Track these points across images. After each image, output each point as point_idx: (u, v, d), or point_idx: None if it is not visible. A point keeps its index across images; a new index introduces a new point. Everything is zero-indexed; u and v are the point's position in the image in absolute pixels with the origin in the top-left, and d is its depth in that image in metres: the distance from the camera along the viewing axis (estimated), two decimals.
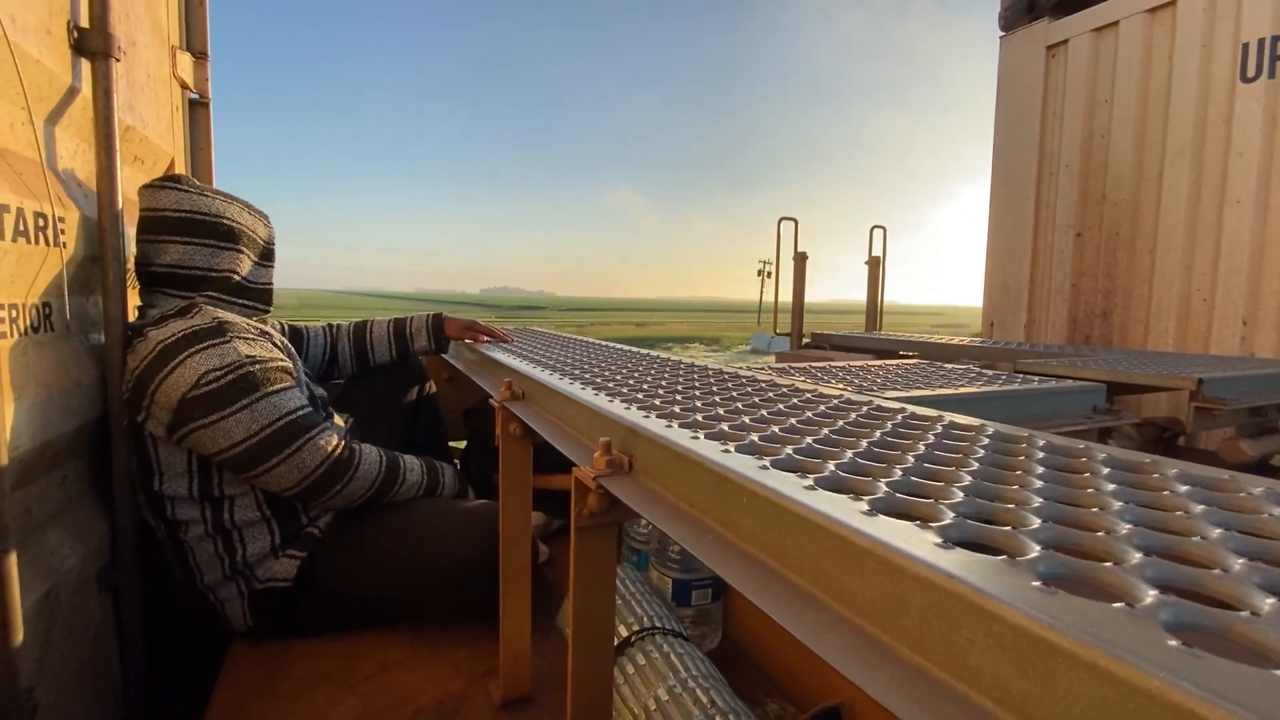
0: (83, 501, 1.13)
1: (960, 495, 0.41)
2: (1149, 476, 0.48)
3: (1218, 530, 0.36)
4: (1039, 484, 0.44)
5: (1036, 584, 0.28)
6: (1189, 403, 1.46)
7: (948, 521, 0.36)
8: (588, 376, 0.96)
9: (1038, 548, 0.33)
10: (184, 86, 1.81)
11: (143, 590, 1.18)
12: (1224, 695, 0.20)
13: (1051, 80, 3.30)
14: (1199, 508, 0.41)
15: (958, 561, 0.30)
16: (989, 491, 0.43)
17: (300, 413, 1.17)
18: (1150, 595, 0.28)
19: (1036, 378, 1.21)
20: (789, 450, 0.51)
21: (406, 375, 1.73)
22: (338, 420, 1.39)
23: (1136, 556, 0.32)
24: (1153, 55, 2.89)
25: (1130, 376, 1.40)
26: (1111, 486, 0.45)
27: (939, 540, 0.33)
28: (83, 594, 1.05)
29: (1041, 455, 0.53)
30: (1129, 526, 0.37)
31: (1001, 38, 3.53)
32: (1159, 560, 0.32)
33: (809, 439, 0.56)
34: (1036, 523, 0.36)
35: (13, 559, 0.77)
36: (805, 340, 3.41)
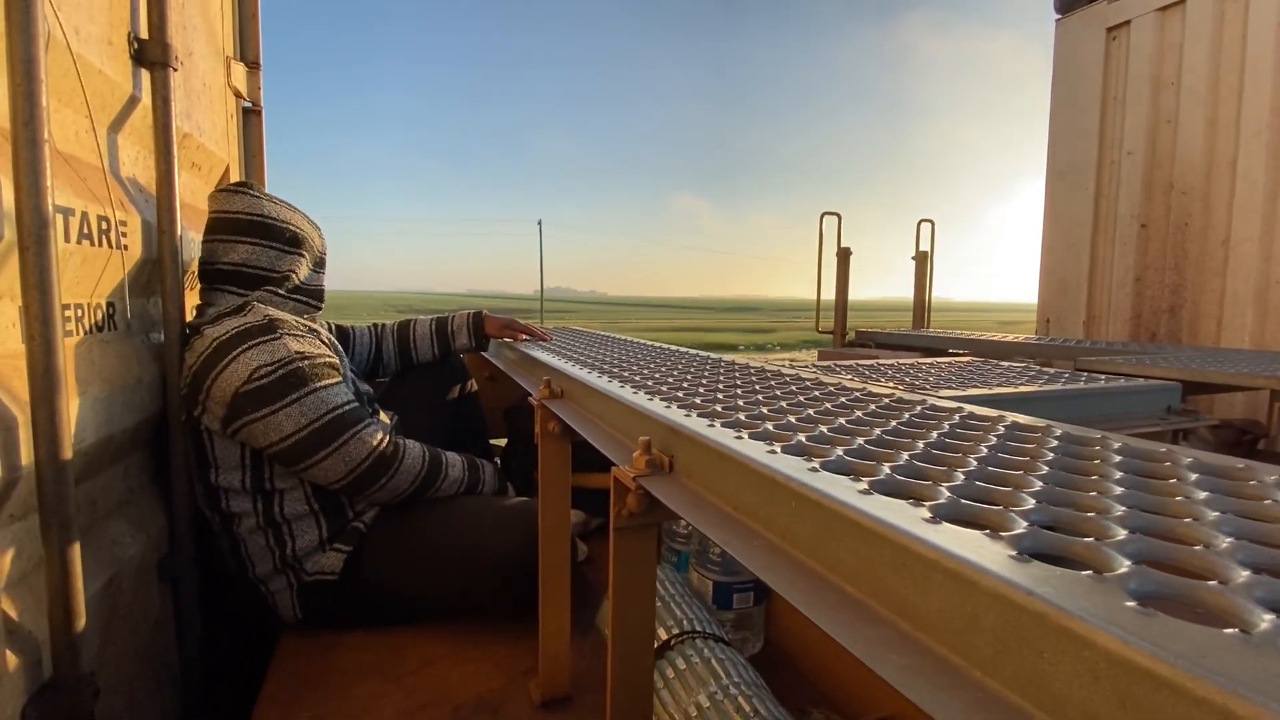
0: (143, 493, 1.18)
1: (1032, 502, 0.38)
2: (1245, 484, 0.44)
3: None
4: (1119, 490, 0.41)
5: (1131, 604, 0.25)
6: (1270, 403, 1.36)
7: (1020, 531, 0.33)
8: (626, 375, 0.94)
9: (1127, 562, 0.29)
10: (238, 95, 1.87)
11: (199, 580, 1.23)
12: None
13: (1112, 64, 3.13)
14: None
15: (1037, 576, 0.27)
16: (1064, 498, 0.39)
17: (346, 407, 1.19)
18: (1265, 620, 0.25)
19: (1102, 376, 1.14)
20: (839, 451, 0.49)
21: (448, 374, 1.75)
22: (383, 417, 1.41)
23: (1243, 574, 0.29)
24: (1224, 34, 2.71)
25: (1206, 375, 1.31)
26: (1203, 494, 0.41)
27: (1013, 552, 0.30)
28: (143, 583, 1.09)
29: (1118, 459, 0.49)
30: (1229, 540, 0.33)
31: (1057, 21, 3.37)
32: (1270, 579, 0.28)
33: (860, 440, 0.53)
34: (1122, 534, 0.33)
35: (77, 548, 0.81)
36: (849, 338, 3.33)
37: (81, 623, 0.82)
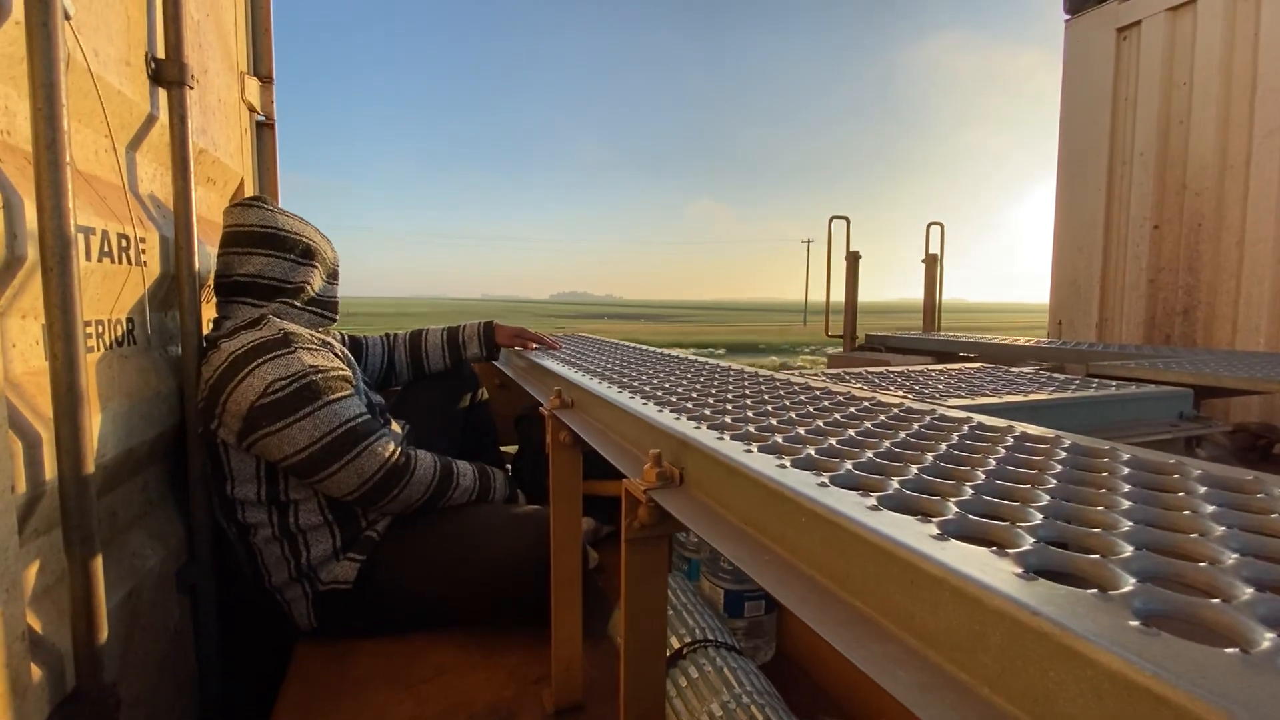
0: (162, 505, 1.20)
1: (1039, 517, 0.38)
2: (1253, 497, 0.44)
3: None
4: (1127, 505, 0.41)
5: (1135, 623, 0.25)
6: None
7: (1027, 547, 0.34)
8: (636, 384, 0.95)
9: (1132, 580, 0.30)
10: (251, 110, 1.90)
11: (217, 590, 1.24)
12: None
13: (1123, 65, 3.12)
14: None
15: (1042, 594, 0.28)
16: (1071, 513, 0.40)
17: (359, 420, 1.20)
18: (1267, 639, 0.25)
19: (1113, 382, 1.13)
20: (848, 465, 0.49)
21: (459, 382, 1.76)
22: (395, 427, 1.43)
23: (1248, 592, 0.29)
24: (1236, 34, 2.69)
25: (1219, 379, 1.30)
26: (1211, 508, 0.41)
27: (1019, 569, 0.30)
28: (163, 593, 1.10)
29: (1127, 471, 0.49)
30: (1235, 556, 0.33)
31: (1067, 22, 3.36)
32: (1273, 597, 0.29)
33: (869, 453, 0.54)
34: (1128, 550, 0.33)
35: (99, 560, 0.82)
36: (858, 342, 3.32)
37: (104, 634, 0.83)
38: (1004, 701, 0.27)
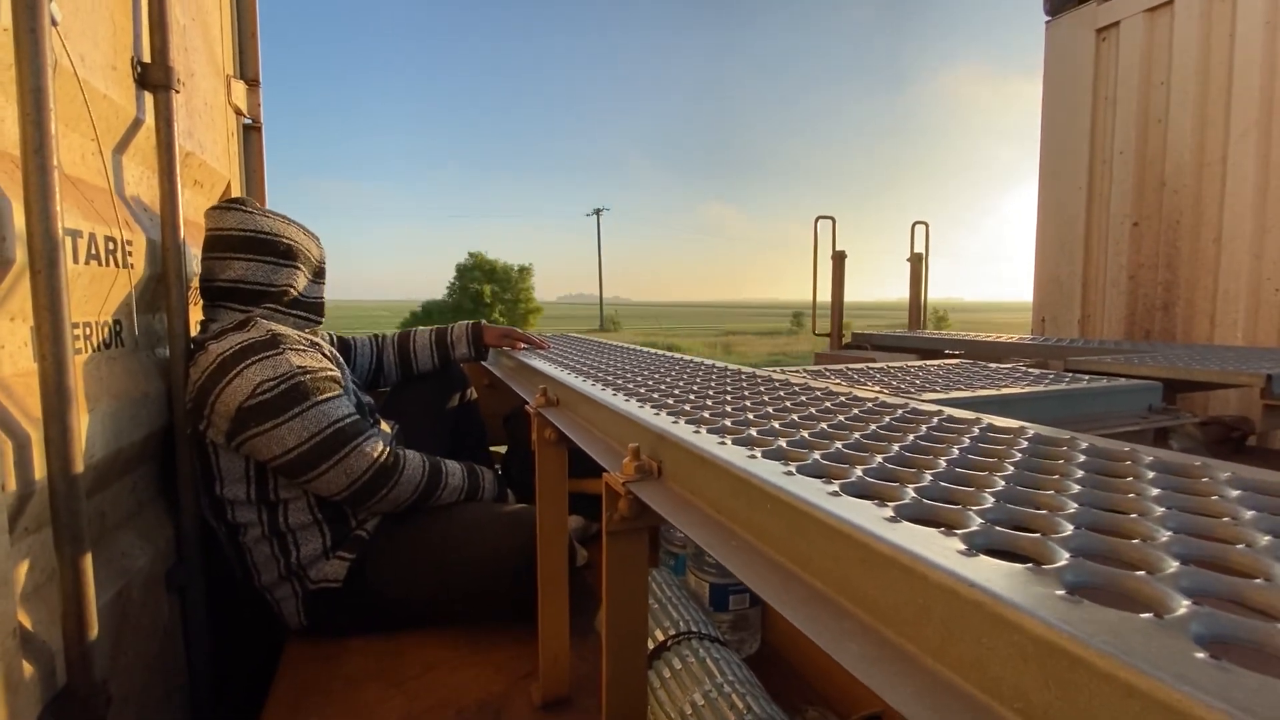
0: (151, 505, 1.20)
1: (991, 501, 0.40)
2: (1198, 481, 0.46)
3: (1267, 538, 0.35)
4: (1076, 489, 0.43)
5: (1061, 593, 0.28)
6: (1260, 400, 1.38)
7: (974, 528, 0.36)
8: (620, 382, 0.97)
9: (1067, 555, 0.32)
10: (238, 112, 1.90)
11: (206, 589, 1.25)
12: (1250, 710, 0.20)
13: (1102, 65, 3.17)
14: (1249, 514, 0.39)
15: (981, 570, 0.30)
16: (1022, 497, 0.42)
17: (348, 420, 1.21)
18: (1183, 605, 0.27)
19: (1087, 376, 1.16)
20: (816, 455, 0.51)
21: (448, 382, 1.77)
22: (384, 427, 1.44)
23: (1173, 565, 0.31)
24: (1212, 34, 2.74)
25: (1190, 373, 1.33)
26: (1155, 491, 0.43)
27: (963, 548, 0.32)
28: (152, 592, 1.11)
29: (1083, 459, 0.51)
30: (1169, 534, 0.35)
31: (1047, 23, 3.40)
32: (1197, 569, 0.31)
33: (838, 444, 0.56)
34: (1069, 529, 0.36)
35: (88, 559, 0.83)
36: (845, 340, 3.35)
37: (94, 632, 0.84)
38: (944, 669, 0.29)
